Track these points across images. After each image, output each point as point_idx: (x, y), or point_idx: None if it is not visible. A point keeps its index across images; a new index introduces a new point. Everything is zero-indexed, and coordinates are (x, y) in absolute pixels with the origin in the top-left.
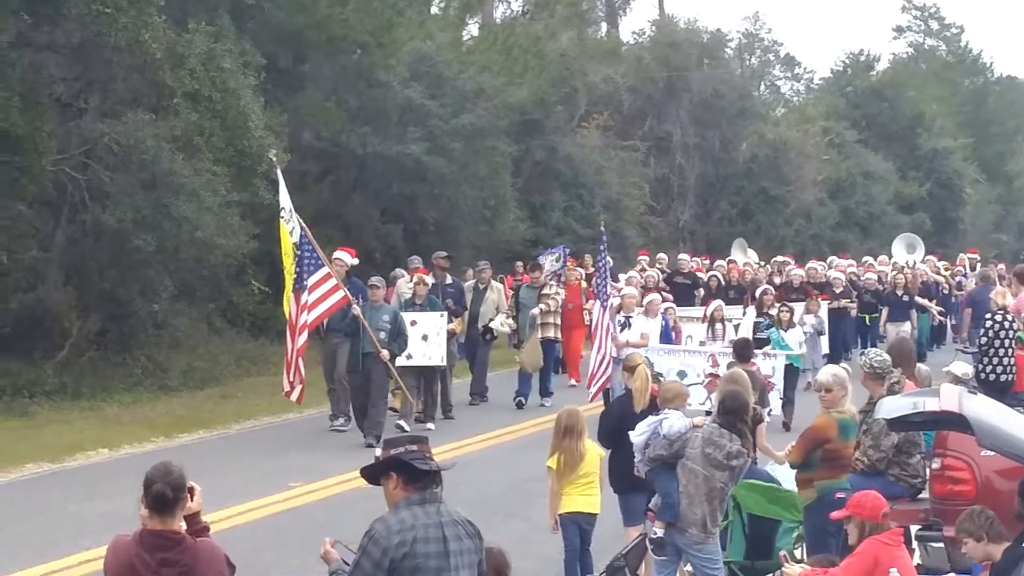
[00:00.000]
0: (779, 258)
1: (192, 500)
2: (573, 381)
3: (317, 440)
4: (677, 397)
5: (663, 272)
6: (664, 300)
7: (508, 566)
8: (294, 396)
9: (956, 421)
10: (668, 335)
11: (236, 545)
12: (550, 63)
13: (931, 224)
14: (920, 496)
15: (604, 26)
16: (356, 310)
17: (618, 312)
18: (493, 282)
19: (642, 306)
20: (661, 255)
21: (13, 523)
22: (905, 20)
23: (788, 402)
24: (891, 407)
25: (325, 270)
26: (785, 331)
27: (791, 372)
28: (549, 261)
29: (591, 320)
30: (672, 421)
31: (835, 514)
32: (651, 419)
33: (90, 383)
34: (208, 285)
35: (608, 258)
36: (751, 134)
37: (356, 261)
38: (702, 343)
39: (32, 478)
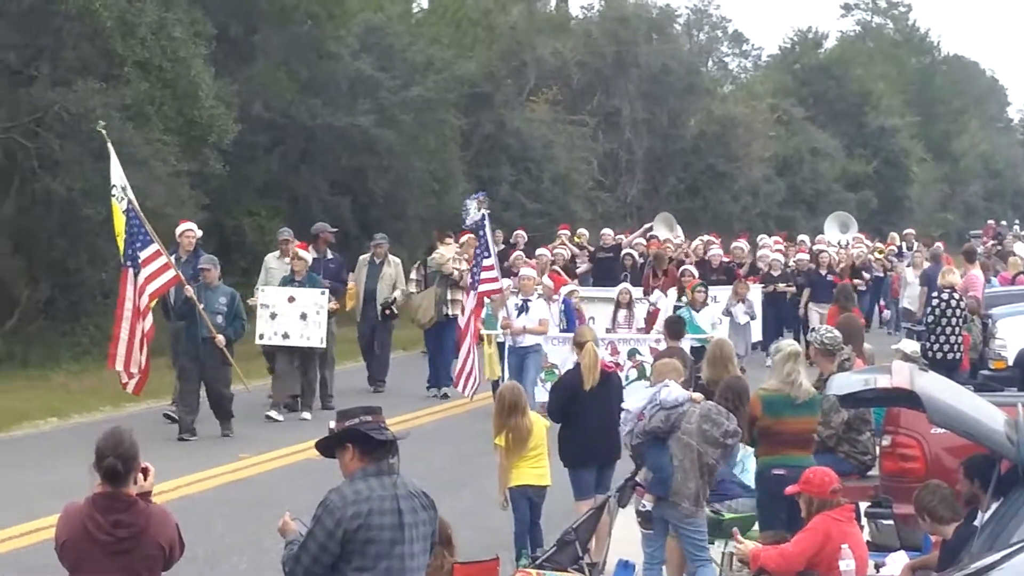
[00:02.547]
0: (704, 237)
1: (146, 480)
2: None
3: (265, 412)
4: (673, 371)
5: (584, 248)
6: (574, 279)
7: (450, 532)
8: (131, 387)
9: (907, 398)
10: (570, 320)
11: (187, 516)
12: (500, 36)
13: (877, 202)
14: (870, 473)
15: (554, 0)
16: (188, 291)
17: (515, 295)
18: (391, 256)
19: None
20: (581, 230)
21: None
22: None
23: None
24: (842, 384)
25: (155, 247)
26: (698, 311)
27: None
28: (472, 207)
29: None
30: (672, 389)
31: (789, 489)
32: (650, 388)
33: (38, 352)
34: None
35: (489, 240)
36: (699, 110)
37: (201, 233)
38: (608, 330)
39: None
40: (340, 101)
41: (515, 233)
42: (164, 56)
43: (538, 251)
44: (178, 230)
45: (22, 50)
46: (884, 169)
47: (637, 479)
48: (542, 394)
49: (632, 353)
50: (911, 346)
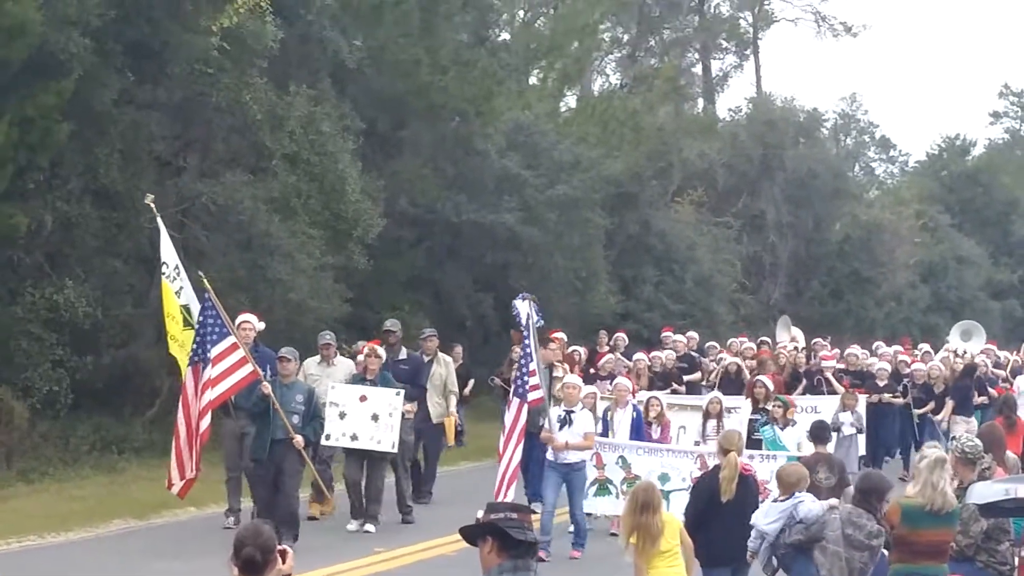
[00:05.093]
0: (819, 340)
1: (284, 564)
2: None
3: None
4: (801, 480)
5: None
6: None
7: None
8: (175, 489)
9: None
10: (639, 430)
11: None
12: (646, 137)
13: (1023, 311)
14: None
15: (701, 102)
16: (266, 388)
17: (557, 405)
18: (442, 355)
19: (590, 398)
20: (691, 333)
21: None
22: (1002, 106)
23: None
24: (982, 493)
25: (231, 339)
26: (782, 429)
27: None
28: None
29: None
30: (808, 504)
31: None
32: (783, 504)
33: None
34: (300, 347)
35: (532, 345)
36: (845, 215)
37: (263, 325)
38: (697, 443)
39: (119, 534)
40: (486, 198)
41: (615, 336)
42: (312, 150)
43: (635, 356)
44: (236, 321)
45: (172, 141)
46: None
47: None
48: (595, 505)
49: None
50: None
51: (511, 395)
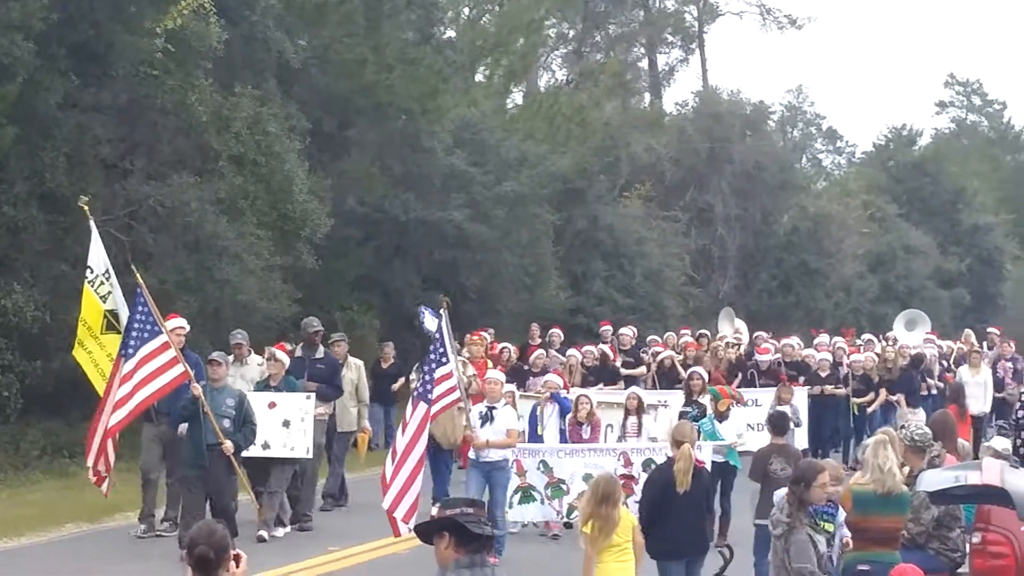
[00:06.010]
0: (761, 334)
1: (238, 567)
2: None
3: (355, 505)
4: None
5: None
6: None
7: None
8: (104, 487)
9: (998, 495)
10: (566, 413)
11: None
12: (593, 132)
13: (971, 300)
14: (960, 570)
15: (648, 96)
16: (196, 390)
17: (477, 401)
18: (352, 358)
19: (509, 395)
20: (631, 327)
21: None
22: (948, 95)
23: (723, 512)
24: (933, 480)
25: (163, 338)
26: (720, 422)
27: (728, 472)
28: (427, 314)
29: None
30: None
31: None
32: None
33: (129, 444)
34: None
35: (448, 347)
36: (792, 206)
37: (188, 328)
38: (620, 438)
39: (71, 538)
40: (433, 196)
41: (551, 332)
42: (258, 151)
43: (569, 351)
44: (169, 325)
45: (117, 144)
46: (978, 267)
47: None
48: (521, 513)
49: (648, 464)
50: (1002, 443)
51: (415, 397)
